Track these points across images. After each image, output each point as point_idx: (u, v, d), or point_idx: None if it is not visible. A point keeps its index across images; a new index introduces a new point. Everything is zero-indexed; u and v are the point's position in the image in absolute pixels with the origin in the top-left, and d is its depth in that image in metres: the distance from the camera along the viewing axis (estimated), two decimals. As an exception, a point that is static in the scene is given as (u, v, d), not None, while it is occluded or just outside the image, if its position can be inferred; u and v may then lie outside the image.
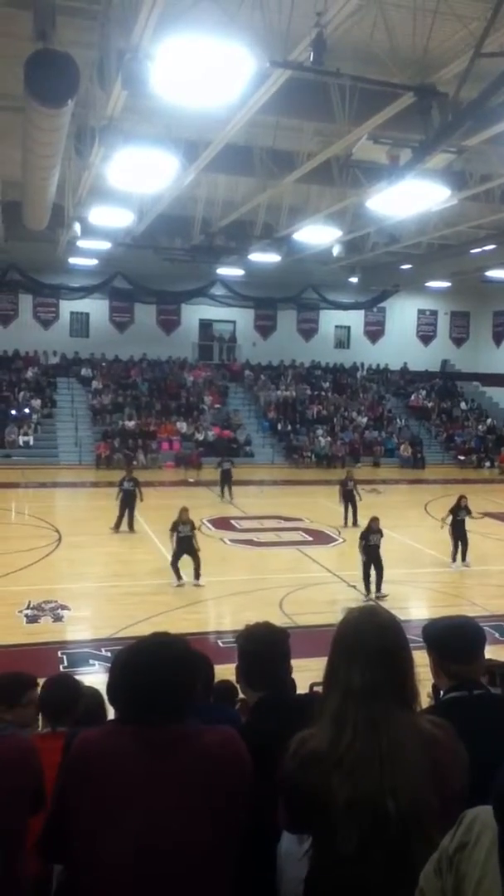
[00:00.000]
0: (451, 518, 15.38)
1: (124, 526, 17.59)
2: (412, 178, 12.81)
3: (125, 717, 2.14)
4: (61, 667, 9.63)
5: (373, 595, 12.94)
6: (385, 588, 13.10)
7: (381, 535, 13.25)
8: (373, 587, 13.10)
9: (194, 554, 13.61)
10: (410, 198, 14.67)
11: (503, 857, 1.21)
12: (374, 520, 13.38)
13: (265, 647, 2.76)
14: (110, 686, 2.30)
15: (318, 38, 8.77)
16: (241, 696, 4.02)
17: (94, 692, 4.17)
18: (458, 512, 15.36)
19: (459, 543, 15.27)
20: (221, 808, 2.02)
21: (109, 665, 2.36)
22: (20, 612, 11.88)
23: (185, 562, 13.68)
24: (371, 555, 13.13)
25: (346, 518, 18.93)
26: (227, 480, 22.92)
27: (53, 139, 12.08)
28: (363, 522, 14.84)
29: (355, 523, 18.11)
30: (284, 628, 2.97)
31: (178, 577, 13.52)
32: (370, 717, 1.94)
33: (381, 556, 13.16)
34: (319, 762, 1.94)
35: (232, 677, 5.33)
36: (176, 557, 13.64)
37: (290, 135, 15.17)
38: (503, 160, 15.42)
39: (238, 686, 3.07)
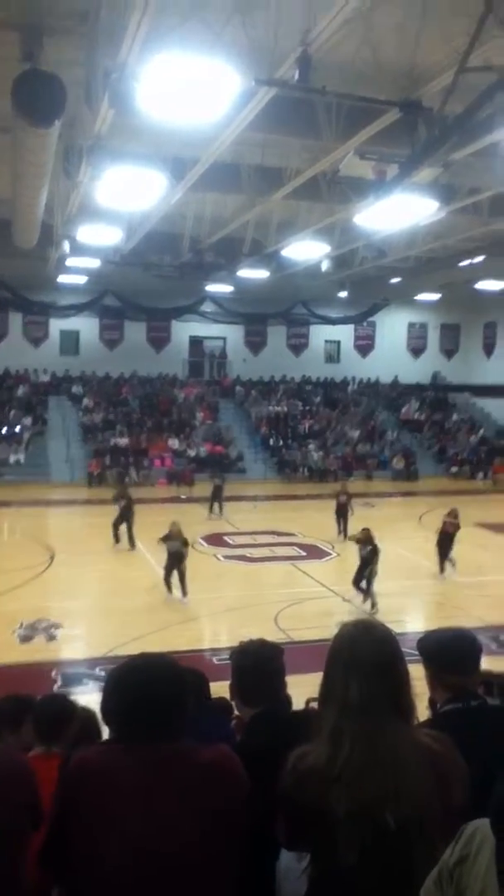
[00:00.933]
0: (443, 528, 15.42)
1: (125, 543, 17.50)
2: (399, 193, 12.90)
3: (120, 737, 2.12)
4: (56, 686, 9.55)
5: (367, 607, 12.95)
6: (381, 600, 13.06)
7: (371, 547, 13.18)
8: (368, 602, 13.10)
9: (182, 570, 13.60)
10: (398, 212, 14.77)
11: (502, 870, 1.20)
12: (364, 530, 13.44)
13: (259, 663, 2.75)
14: (104, 706, 2.28)
15: (303, 56, 8.84)
16: (235, 713, 4.00)
17: (89, 712, 4.13)
18: (445, 523, 15.41)
19: (444, 554, 15.28)
20: (218, 825, 2.00)
21: (103, 685, 2.34)
22: (13, 631, 11.79)
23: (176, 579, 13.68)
24: (362, 566, 13.14)
25: (339, 529, 18.93)
26: (218, 496, 22.88)
27: (41, 158, 12.14)
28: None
29: (345, 537, 18.11)
30: (278, 644, 2.95)
31: (169, 589, 13.60)
32: (368, 730, 1.93)
33: (372, 570, 13.11)
34: (318, 777, 1.92)
35: (227, 694, 5.29)
36: (168, 571, 13.64)
37: (277, 152, 15.27)
38: (490, 173, 15.55)
39: (233, 703, 3.04)
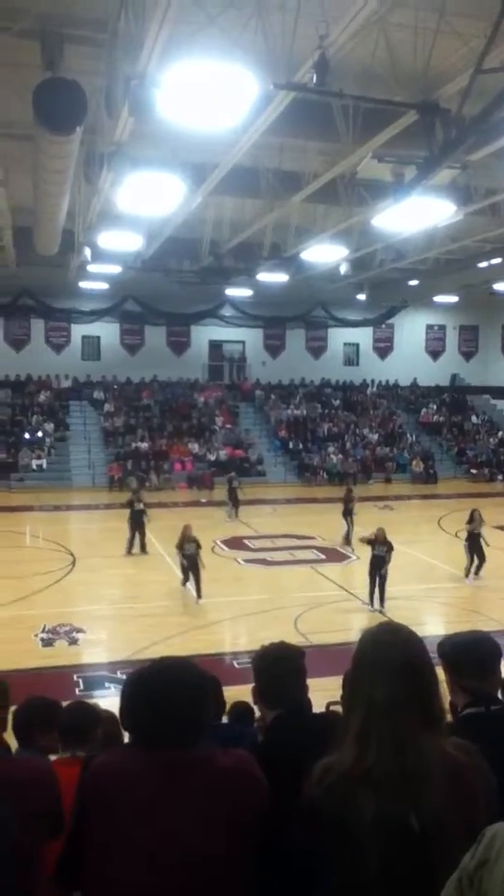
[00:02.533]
0: (466, 532, 15.35)
1: (136, 548, 17.57)
2: (417, 195, 12.87)
3: (139, 741, 2.14)
4: (77, 690, 9.61)
5: (376, 608, 12.93)
6: (400, 603, 13.03)
7: (389, 548, 13.20)
8: (377, 602, 13.08)
9: (196, 572, 13.68)
10: (416, 214, 14.73)
11: None
12: (380, 530, 13.42)
13: (280, 665, 2.76)
14: (122, 712, 2.30)
15: (320, 60, 8.86)
16: (258, 715, 4.02)
17: (113, 716, 4.16)
18: (473, 524, 15.32)
19: (475, 557, 15.22)
20: (236, 830, 2.00)
21: (121, 689, 2.36)
22: (35, 635, 11.88)
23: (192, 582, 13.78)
24: (375, 566, 13.11)
25: (347, 535, 18.93)
26: (233, 498, 22.87)
27: (63, 166, 12.24)
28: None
29: (348, 542, 18.13)
30: (299, 647, 2.96)
31: (185, 584, 13.75)
32: (394, 733, 1.91)
33: (387, 570, 13.09)
34: (344, 783, 1.92)
35: (248, 698, 5.29)
36: (186, 576, 13.76)
37: (295, 155, 15.30)
38: (508, 175, 15.48)
39: (255, 707, 3.06)
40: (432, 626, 12.57)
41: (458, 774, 1.92)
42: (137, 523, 17.66)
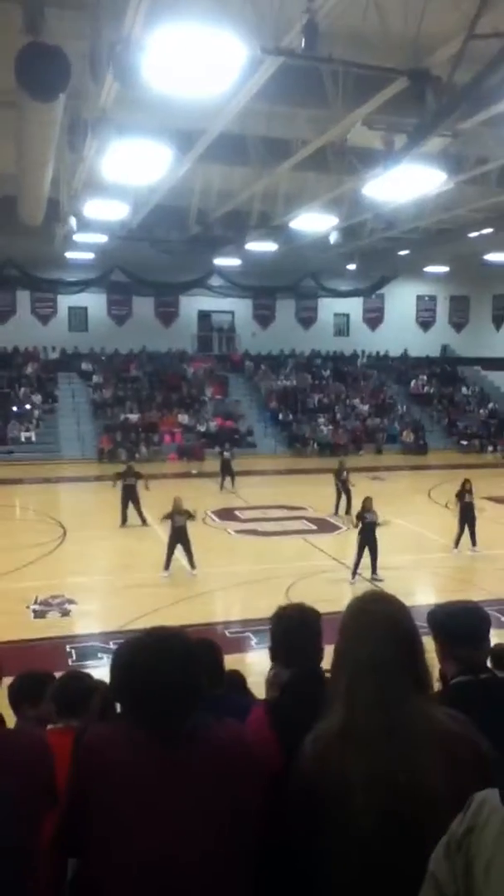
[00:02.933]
0: (457, 502, 15.42)
1: (135, 519, 17.56)
2: (408, 163, 12.76)
3: (132, 713, 2.14)
4: (70, 661, 9.68)
5: (362, 578, 13.01)
6: (391, 573, 13.13)
7: (377, 515, 13.29)
8: (368, 571, 13.16)
9: (186, 544, 13.67)
10: (407, 183, 14.63)
11: None
12: (368, 499, 13.53)
13: (296, 625, 2.81)
14: (113, 683, 2.30)
15: (309, 24, 8.70)
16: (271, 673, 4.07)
17: (106, 687, 4.20)
18: (464, 495, 15.39)
19: (466, 527, 15.31)
20: (236, 800, 2.02)
21: (111, 663, 2.37)
22: (28, 607, 11.93)
23: (182, 552, 13.78)
24: (367, 534, 13.18)
25: (337, 506, 19.00)
26: (227, 470, 22.93)
27: (46, 133, 12.04)
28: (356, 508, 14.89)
29: (348, 511, 18.20)
30: (317, 610, 2.99)
31: (167, 567, 13.64)
32: (380, 693, 1.95)
33: (377, 537, 13.18)
34: (334, 747, 1.95)
35: (239, 667, 5.32)
36: (170, 548, 13.71)
37: (283, 122, 15.07)
38: (499, 142, 15.32)
39: (271, 665, 3.10)
40: (423, 595, 12.69)
41: (447, 741, 1.95)
42: (130, 497, 17.63)
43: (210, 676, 3.57)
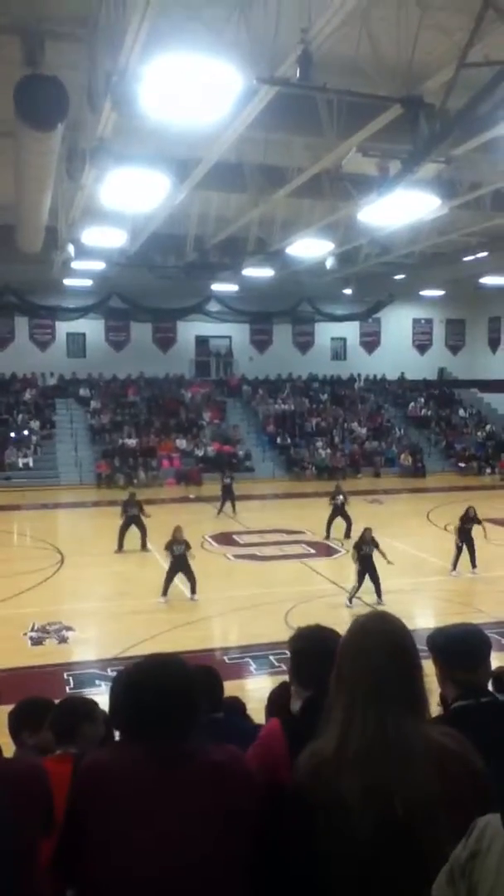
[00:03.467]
0: (459, 526, 15.40)
1: (132, 544, 17.45)
2: (402, 189, 12.89)
3: (130, 737, 2.14)
4: (68, 688, 9.60)
5: (363, 603, 12.95)
6: (390, 597, 13.08)
7: (375, 546, 13.26)
8: (370, 596, 13.11)
9: (188, 571, 13.63)
10: (401, 208, 14.76)
11: None
12: (367, 530, 13.49)
13: (314, 645, 2.79)
14: (113, 708, 2.30)
15: (303, 54, 8.83)
16: (258, 710, 4.03)
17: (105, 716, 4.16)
18: (467, 522, 15.38)
19: (466, 550, 15.27)
20: (231, 822, 2.01)
21: (110, 687, 2.36)
22: (25, 634, 11.84)
23: (182, 579, 13.73)
24: (365, 565, 13.15)
25: (328, 530, 18.96)
26: (228, 495, 22.89)
27: (45, 162, 12.17)
28: (356, 534, 14.85)
29: (348, 535, 18.16)
30: (335, 631, 2.98)
31: (164, 593, 13.56)
32: (378, 717, 1.94)
33: (376, 565, 13.15)
34: (329, 767, 1.93)
35: (238, 693, 5.29)
36: (169, 576, 13.66)
37: (279, 150, 15.26)
38: (492, 167, 15.52)
39: (291, 689, 3.08)
40: (422, 618, 12.63)
41: (444, 760, 1.94)
42: (134, 523, 17.54)
43: (209, 701, 3.56)
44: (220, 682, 3.88)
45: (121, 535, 17.46)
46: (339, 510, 19.01)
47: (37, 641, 11.62)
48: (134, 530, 17.51)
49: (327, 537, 18.86)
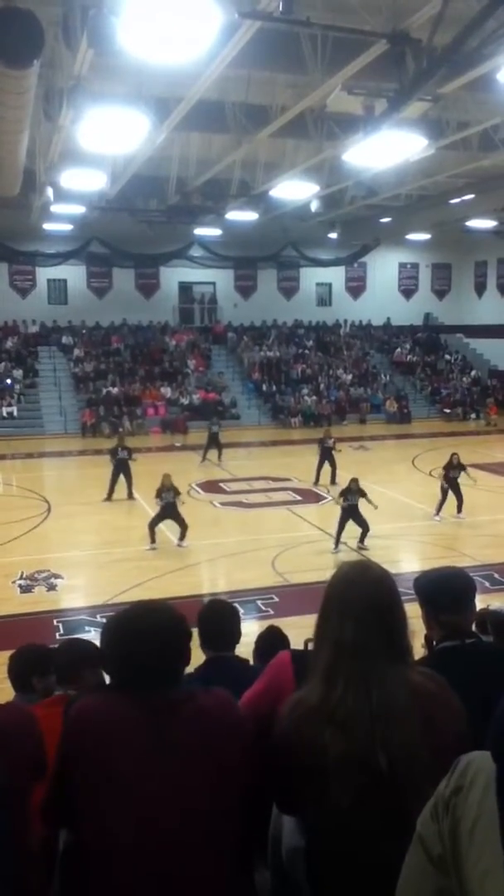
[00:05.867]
0: (444, 475, 15.49)
1: (122, 493, 17.52)
2: (388, 129, 12.63)
3: (120, 683, 2.16)
4: (57, 635, 9.71)
5: (347, 548, 13.10)
6: (377, 542, 13.23)
7: (361, 495, 13.33)
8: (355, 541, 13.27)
9: (179, 519, 13.73)
10: (387, 149, 14.46)
11: (501, 794, 1.24)
12: (354, 480, 13.52)
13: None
14: (103, 655, 2.32)
15: (287, -14, 8.55)
16: (247, 654, 4.09)
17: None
18: (451, 470, 15.47)
19: (454, 497, 15.39)
20: (222, 768, 2.04)
21: (101, 633, 2.39)
22: (13, 582, 11.93)
23: (168, 526, 13.83)
24: (349, 513, 13.24)
25: (318, 475, 19.07)
26: (215, 443, 22.88)
27: (21, 102, 11.79)
28: (343, 481, 14.93)
29: (333, 481, 18.26)
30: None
31: (153, 539, 13.64)
32: (361, 672, 1.94)
33: (361, 513, 13.24)
34: (312, 718, 1.95)
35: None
36: (155, 521, 13.77)
37: (262, 88, 14.87)
38: (480, 107, 15.21)
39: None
40: (408, 563, 12.81)
41: (424, 704, 1.95)
42: (122, 470, 17.57)
43: (225, 639, 3.66)
44: (236, 620, 3.92)
45: (112, 482, 17.45)
46: (326, 454, 19.09)
47: (26, 589, 11.72)
48: (121, 479, 17.52)
49: (316, 482, 18.95)
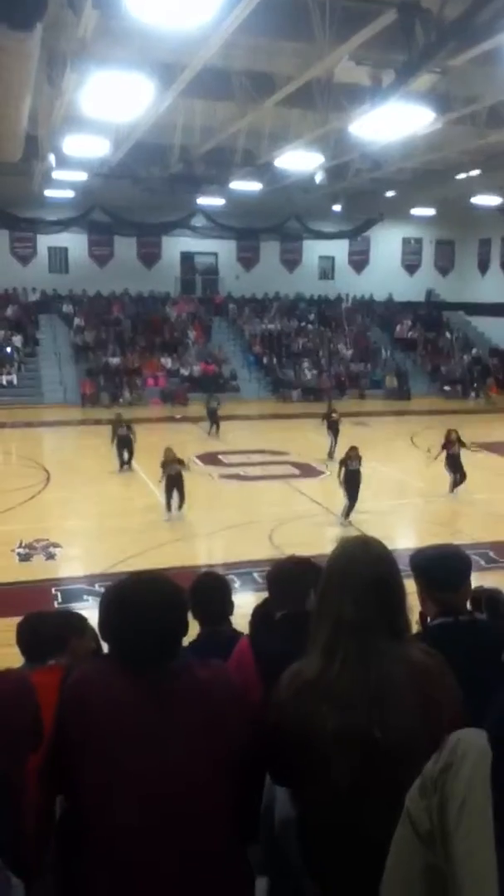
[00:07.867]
0: (444, 454, 15.48)
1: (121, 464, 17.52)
2: (396, 101, 12.46)
3: (119, 653, 2.18)
4: (56, 603, 9.78)
5: (345, 520, 13.17)
6: (373, 518, 13.26)
7: (360, 462, 13.39)
8: (360, 515, 13.31)
9: (181, 490, 13.84)
10: (394, 121, 14.28)
11: (496, 777, 1.25)
12: (353, 448, 13.57)
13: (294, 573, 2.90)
14: (101, 624, 2.34)
15: (296, -48, 8.39)
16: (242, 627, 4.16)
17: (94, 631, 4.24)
18: (450, 446, 15.46)
19: (458, 476, 15.39)
20: (221, 739, 2.06)
21: (100, 602, 2.41)
22: (12, 550, 11.98)
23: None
24: (351, 480, 13.28)
25: (333, 450, 19.02)
26: (213, 418, 22.88)
27: (23, 66, 11.62)
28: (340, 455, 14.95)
29: (331, 456, 18.24)
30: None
31: (169, 509, 13.82)
32: (360, 648, 1.96)
33: (360, 483, 13.28)
34: (310, 691, 1.98)
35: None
36: (168, 494, 13.85)
37: (268, 56, 14.62)
38: (489, 81, 14.97)
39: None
40: (404, 540, 12.84)
41: (423, 681, 1.97)
42: (124, 445, 17.54)
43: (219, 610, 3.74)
44: (227, 592, 3.97)
45: (119, 454, 17.45)
46: (333, 427, 19.10)
47: (24, 558, 11.77)
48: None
49: (330, 457, 18.73)
